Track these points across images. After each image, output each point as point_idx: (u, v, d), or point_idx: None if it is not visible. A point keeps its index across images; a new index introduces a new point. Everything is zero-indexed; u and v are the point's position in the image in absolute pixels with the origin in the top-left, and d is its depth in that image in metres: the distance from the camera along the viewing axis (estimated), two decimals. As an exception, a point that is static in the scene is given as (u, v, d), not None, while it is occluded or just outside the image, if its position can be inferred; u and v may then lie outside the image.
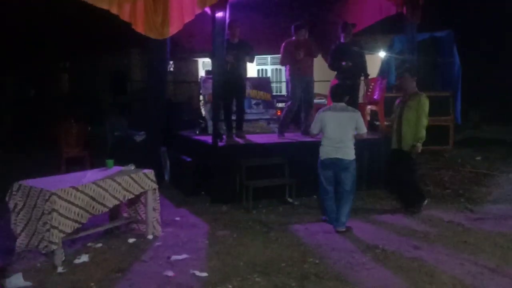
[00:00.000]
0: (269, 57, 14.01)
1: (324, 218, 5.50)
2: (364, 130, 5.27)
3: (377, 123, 7.94)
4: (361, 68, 7.24)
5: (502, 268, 4.14)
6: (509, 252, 4.53)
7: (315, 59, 7.44)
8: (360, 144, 5.56)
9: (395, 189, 6.21)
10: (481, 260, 4.32)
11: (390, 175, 6.30)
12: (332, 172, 5.27)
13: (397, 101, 6.09)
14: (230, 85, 6.62)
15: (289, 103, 7.34)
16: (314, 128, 5.40)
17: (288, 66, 7.21)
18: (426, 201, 5.99)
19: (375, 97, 8.02)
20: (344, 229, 5.18)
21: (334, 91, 5.53)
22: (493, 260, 4.32)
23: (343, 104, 5.33)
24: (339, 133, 5.18)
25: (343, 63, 6.94)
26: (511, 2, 11.69)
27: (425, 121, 5.69)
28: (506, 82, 12.34)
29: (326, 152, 5.26)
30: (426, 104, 5.72)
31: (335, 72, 7.33)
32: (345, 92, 5.51)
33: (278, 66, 14.07)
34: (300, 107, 7.31)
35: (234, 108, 7.01)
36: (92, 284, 3.85)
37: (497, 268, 4.16)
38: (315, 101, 9.02)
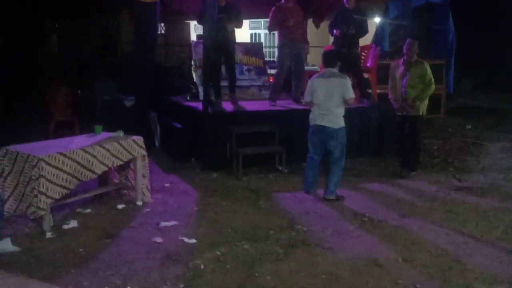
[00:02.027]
0: (262, 21, 13.75)
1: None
2: (350, 95, 5.14)
3: (369, 90, 7.90)
4: (359, 36, 7.14)
5: (486, 238, 4.22)
6: (495, 222, 4.60)
7: (309, 24, 7.32)
8: (350, 111, 5.54)
9: (403, 154, 6.30)
10: (466, 230, 4.40)
11: (399, 141, 6.40)
12: (318, 139, 5.25)
13: (397, 64, 6.07)
14: (217, 50, 6.48)
15: (277, 71, 7.27)
16: (307, 96, 5.34)
17: (278, 32, 7.09)
18: (415, 173, 6.15)
19: (368, 64, 7.95)
20: (333, 197, 5.21)
21: (325, 56, 5.46)
22: (478, 230, 4.40)
23: (333, 69, 5.25)
24: (326, 100, 5.13)
25: (335, 31, 6.83)
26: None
27: (433, 87, 5.94)
28: (500, 50, 12.25)
29: (313, 118, 5.25)
30: (429, 69, 5.91)
31: (329, 39, 7.23)
32: (337, 58, 5.44)
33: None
34: (291, 74, 7.24)
35: (225, 74, 6.90)
36: (81, 249, 3.88)
37: (482, 238, 4.23)
38: (308, 68, 8.95)
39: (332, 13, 7.30)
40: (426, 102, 6.04)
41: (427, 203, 5.16)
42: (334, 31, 6.90)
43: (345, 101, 5.17)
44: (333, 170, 5.24)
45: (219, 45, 6.45)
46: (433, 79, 5.91)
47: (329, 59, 5.37)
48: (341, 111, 5.18)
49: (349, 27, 6.86)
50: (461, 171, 6.42)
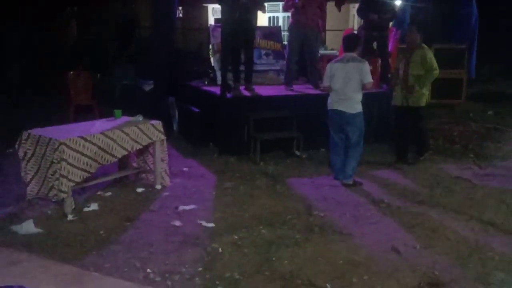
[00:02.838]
0: (280, 3, 13.57)
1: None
2: (368, 80, 5.09)
3: (390, 75, 7.78)
4: (389, 21, 7.03)
5: (506, 226, 4.17)
6: (515, 209, 4.54)
7: (329, 7, 7.19)
8: (369, 96, 5.47)
9: (398, 143, 6.12)
10: (485, 217, 4.35)
11: (394, 130, 6.17)
12: (337, 124, 5.24)
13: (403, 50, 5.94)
14: (239, 35, 6.43)
15: (287, 55, 7.20)
16: (325, 80, 5.32)
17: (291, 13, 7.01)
18: (424, 156, 6.05)
19: (388, 49, 7.81)
20: (350, 182, 5.20)
21: (345, 41, 5.38)
22: (498, 217, 4.34)
23: (352, 54, 5.19)
24: (344, 85, 5.10)
25: (371, 16, 6.72)
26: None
27: (436, 71, 5.66)
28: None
29: (331, 103, 5.25)
30: (431, 54, 5.68)
31: (349, 22, 7.12)
32: (357, 42, 5.37)
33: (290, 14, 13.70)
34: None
35: (243, 59, 6.86)
36: (101, 231, 3.95)
37: (501, 225, 4.18)
38: (327, 52, 8.85)
39: None
40: (427, 91, 5.81)
41: (446, 190, 5.10)
42: (371, 16, 6.77)
43: (363, 86, 5.12)
44: (351, 154, 5.22)
45: (241, 30, 6.38)
46: (435, 65, 5.63)
47: (349, 43, 5.30)
48: (359, 97, 5.14)
49: (380, 12, 6.74)
50: (481, 157, 6.32)
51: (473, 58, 9.74)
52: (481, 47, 9.93)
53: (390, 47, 7.89)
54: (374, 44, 7.09)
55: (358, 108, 5.14)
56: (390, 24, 10.01)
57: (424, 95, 5.77)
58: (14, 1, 11.22)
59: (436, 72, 5.68)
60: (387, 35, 7.23)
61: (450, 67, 8.82)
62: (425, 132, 6.18)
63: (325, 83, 5.32)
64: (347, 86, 5.09)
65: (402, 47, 7.17)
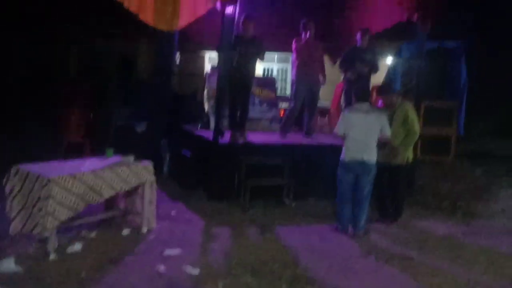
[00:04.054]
0: (276, 54, 13.94)
1: (337, 226, 5.37)
2: (389, 132, 5.18)
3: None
4: (371, 74, 7.22)
5: (494, 285, 4.13)
6: (504, 269, 4.51)
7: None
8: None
9: (379, 201, 5.93)
10: (474, 275, 4.31)
11: (379, 187, 5.88)
12: (354, 175, 5.18)
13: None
14: (237, 83, 6.57)
15: (291, 104, 7.34)
16: (340, 129, 5.25)
17: (295, 66, 7.19)
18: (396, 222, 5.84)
19: (379, 105, 7.98)
20: (363, 232, 5.23)
21: (357, 91, 5.40)
22: (486, 276, 4.31)
23: (368, 104, 5.29)
24: (366, 135, 5.12)
25: (348, 75, 6.92)
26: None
27: (416, 134, 5.58)
28: (512, 95, 12.28)
29: (351, 154, 5.15)
30: (413, 114, 5.62)
31: (341, 75, 7.32)
32: (369, 93, 5.46)
33: (285, 65, 14.03)
34: (304, 109, 7.30)
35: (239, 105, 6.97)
36: (83, 273, 3.85)
37: (490, 284, 4.14)
38: (319, 104, 9.00)
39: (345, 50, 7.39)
40: (410, 149, 5.72)
41: (435, 246, 5.07)
42: (349, 73, 6.97)
43: (382, 137, 5.16)
44: (363, 206, 5.21)
45: (239, 79, 6.54)
46: (416, 128, 5.56)
47: (363, 93, 5.35)
48: (375, 146, 5.18)
49: (361, 66, 6.95)
50: (470, 215, 6.33)
51: (462, 116, 9.97)
52: (471, 106, 10.19)
53: (381, 103, 8.06)
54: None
55: (375, 157, 5.18)
56: (382, 80, 10.30)
57: (404, 154, 5.65)
58: (17, 36, 11.40)
59: (416, 135, 5.62)
60: (369, 87, 7.38)
61: (439, 124, 9.01)
62: (402, 196, 5.93)
63: (340, 131, 5.26)
64: (369, 135, 5.12)
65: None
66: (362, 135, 5.11)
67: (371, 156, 5.13)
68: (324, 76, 7.29)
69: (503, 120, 12.28)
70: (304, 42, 7.06)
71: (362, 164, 5.12)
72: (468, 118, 10.26)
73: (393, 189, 5.83)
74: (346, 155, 5.19)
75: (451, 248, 5.04)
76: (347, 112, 5.33)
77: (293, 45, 7.14)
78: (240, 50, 6.42)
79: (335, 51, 8.82)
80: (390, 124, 5.56)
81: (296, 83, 7.21)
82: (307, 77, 7.07)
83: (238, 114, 6.86)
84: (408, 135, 5.61)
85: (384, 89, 5.99)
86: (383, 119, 5.19)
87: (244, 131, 6.88)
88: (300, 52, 7.06)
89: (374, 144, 5.15)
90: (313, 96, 7.24)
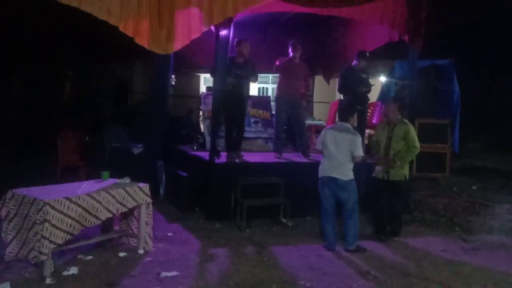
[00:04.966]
0: (270, 75, 14.09)
1: (326, 244, 5.41)
2: (359, 153, 5.25)
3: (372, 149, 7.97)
4: (366, 93, 7.32)
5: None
6: (502, 285, 4.50)
7: (317, 81, 7.51)
8: (356, 166, 5.53)
9: (377, 217, 5.93)
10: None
11: (372, 203, 5.94)
12: (329, 190, 5.29)
13: (383, 124, 5.98)
14: (232, 105, 6.65)
15: (274, 123, 7.40)
16: (318, 145, 5.56)
17: (277, 84, 7.27)
18: (397, 238, 5.85)
19: (373, 121, 8.07)
20: (353, 248, 5.21)
21: (341, 110, 5.63)
22: (485, 293, 4.29)
23: (347, 124, 5.36)
24: (337, 153, 5.24)
25: (358, 89, 6.98)
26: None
27: (417, 148, 5.69)
28: (506, 112, 12.42)
29: (323, 170, 5.36)
30: (413, 131, 5.74)
31: (336, 95, 7.39)
32: (351, 113, 5.54)
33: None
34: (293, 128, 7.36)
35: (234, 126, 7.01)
36: (80, 297, 3.81)
37: (489, 301, 4.13)
38: (314, 122, 9.09)
39: (340, 70, 7.47)
40: (407, 166, 5.79)
41: (433, 263, 5.05)
42: (340, 89, 7.05)
43: (353, 158, 5.25)
44: (348, 223, 5.27)
45: (234, 100, 6.62)
46: (416, 143, 5.65)
47: (344, 113, 5.51)
48: (350, 165, 5.27)
49: (361, 86, 7.03)
50: (467, 231, 6.33)
51: (456, 134, 10.04)
52: (465, 123, 10.27)
53: (376, 120, 8.15)
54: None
55: (350, 175, 5.25)
56: (376, 98, 10.42)
57: (403, 170, 5.71)
58: (10, 60, 11.49)
59: (416, 149, 5.69)
60: (366, 108, 7.47)
61: (434, 141, 9.07)
62: (399, 213, 5.93)
63: (319, 147, 5.55)
64: (340, 154, 5.23)
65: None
66: (333, 153, 5.26)
67: (343, 174, 5.21)
68: (306, 95, 7.39)
69: (497, 136, 12.38)
70: (287, 61, 7.10)
71: (333, 180, 5.24)
72: (463, 135, 10.33)
73: (391, 205, 5.83)
74: (321, 171, 5.38)
75: (449, 265, 5.03)
76: (325, 129, 5.54)
77: (276, 64, 7.17)
78: (234, 73, 6.51)
79: (328, 71, 8.94)
80: (390, 139, 5.67)
81: (276, 100, 7.28)
82: (287, 95, 7.07)
83: (234, 135, 6.91)
84: (408, 151, 5.68)
85: (392, 104, 5.93)
86: (355, 141, 5.24)
87: (240, 151, 6.92)
88: (282, 70, 7.12)
89: (346, 163, 5.23)
90: (297, 114, 7.23)
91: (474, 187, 9.06)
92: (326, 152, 5.34)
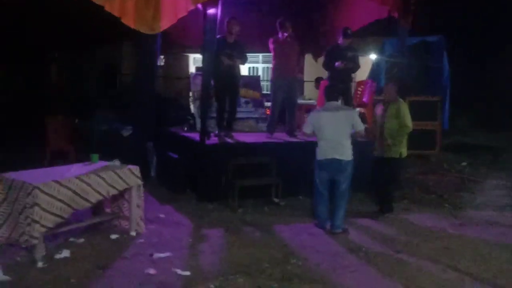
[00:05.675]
0: (260, 55, 13.98)
1: (316, 222, 5.44)
2: (361, 127, 5.23)
3: (366, 125, 7.97)
4: (352, 72, 7.29)
5: (482, 276, 4.18)
6: (491, 260, 4.57)
7: (307, 59, 7.46)
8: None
9: (378, 195, 6.17)
10: (462, 267, 4.36)
11: (373, 181, 6.20)
12: (329, 173, 5.21)
13: (377, 109, 6.07)
14: (225, 85, 6.61)
15: (271, 102, 7.37)
16: (307, 128, 5.34)
17: (273, 64, 7.23)
18: (387, 215, 5.93)
19: (364, 99, 8.05)
20: (340, 231, 5.19)
21: (327, 91, 5.51)
22: (474, 267, 4.36)
23: (336, 102, 5.33)
24: (336, 133, 5.13)
25: (337, 64, 6.93)
26: (504, 9, 11.81)
27: (407, 127, 5.74)
28: (495, 89, 12.49)
29: (323, 152, 5.19)
30: (405, 109, 5.78)
31: (324, 73, 7.36)
32: (338, 91, 5.53)
33: (269, 65, 14.05)
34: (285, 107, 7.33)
35: (227, 106, 6.97)
36: (73, 280, 3.82)
37: (478, 275, 4.19)
38: (304, 101, 9.06)
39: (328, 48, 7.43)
40: (403, 144, 5.85)
41: (423, 239, 5.11)
42: (336, 63, 6.99)
43: (356, 133, 5.22)
44: (340, 203, 5.23)
45: (227, 80, 6.58)
46: (407, 122, 5.72)
47: (331, 93, 5.43)
48: (349, 143, 5.20)
49: (344, 63, 6.99)
50: (456, 207, 6.41)
51: (446, 110, 10.08)
52: (454, 99, 10.31)
53: (366, 98, 8.13)
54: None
55: (351, 154, 5.19)
56: (366, 76, 10.40)
57: (397, 148, 5.79)
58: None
59: (408, 128, 5.75)
60: (349, 86, 7.45)
61: (424, 119, 9.10)
62: (392, 189, 6.09)
63: (307, 130, 5.34)
64: (340, 134, 5.14)
65: (379, 98, 7.40)
66: (333, 134, 5.14)
67: (345, 154, 5.14)
68: (301, 72, 7.37)
69: (485, 112, 12.46)
70: (281, 41, 7.07)
71: (336, 162, 5.14)
72: (452, 112, 10.38)
73: (385, 182, 5.94)
74: (320, 154, 5.22)
75: (439, 240, 5.09)
76: (315, 112, 5.36)
77: (270, 45, 7.15)
78: (226, 53, 6.45)
79: (317, 49, 8.88)
80: (384, 118, 5.71)
81: (273, 81, 7.26)
82: (284, 75, 7.08)
83: (226, 115, 6.88)
84: (400, 130, 5.73)
85: (389, 83, 6.07)
86: (353, 115, 5.25)
87: (231, 131, 6.90)
88: (277, 51, 7.09)
89: (347, 142, 5.17)
90: (291, 93, 7.24)
91: (463, 164, 9.14)
92: (322, 134, 5.17)
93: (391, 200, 6.09)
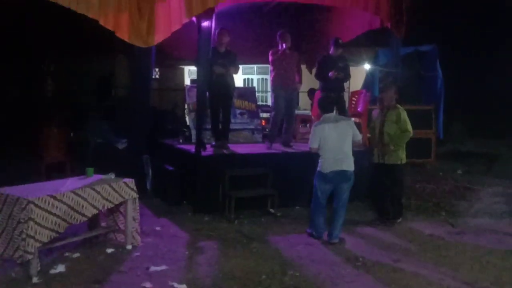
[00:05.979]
0: (255, 66, 14.06)
1: (310, 231, 5.40)
2: (359, 136, 5.29)
3: (361, 135, 7.99)
4: (343, 82, 7.33)
5: (480, 284, 4.17)
6: (488, 267, 4.56)
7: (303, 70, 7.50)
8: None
9: (378, 201, 6.17)
10: (460, 275, 4.35)
11: (373, 188, 6.25)
12: (332, 185, 5.19)
13: (374, 113, 6.14)
14: (218, 95, 6.63)
15: (273, 114, 7.38)
16: (314, 143, 5.23)
17: (272, 76, 7.25)
18: (400, 219, 5.98)
19: (359, 109, 8.07)
20: (337, 241, 5.18)
21: (322, 103, 5.52)
22: (471, 275, 4.35)
23: (334, 114, 5.35)
24: (341, 144, 5.14)
25: (330, 74, 6.95)
26: (495, 18, 11.94)
27: (409, 132, 5.79)
28: (489, 97, 12.58)
29: (329, 165, 5.12)
30: (405, 115, 5.83)
31: (317, 83, 7.39)
32: (332, 102, 5.55)
33: (264, 76, 14.12)
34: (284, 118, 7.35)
35: (221, 117, 6.98)
36: (68, 295, 3.78)
37: (475, 283, 4.18)
38: (300, 112, 9.08)
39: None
40: (403, 149, 5.88)
41: (420, 247, 5.11)
42: (330, 73, 7.01)
43: (354, 143, 5.24)
44: (340, 213, 5.22)
45: (221, 91, 6.60)
46: (408, 127, 5.76)
47: (326, 104, 5.43)
48: (351, 153, 5.23)
49: (337, 73, 7.02)
50: (453, 215, 6.41)
51: (440, 119, 10.13)
52: (449, 108, 10.37)
53: (361, 108, 8.15)
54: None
55: (353, 165, 5.21)
56: (361, 86, 10.44)
57: (399, 153, 5.83)
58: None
59: (409, 133, 5.80)
60: (342, 96, 7.47)
61: (419, 127, 9.11)
62: (398, 196, 6.04)
63: (315, 145, 5.24)
64: (344, 144, 5.15)
65: (373, 108, 7.43)
66: (338, 145, 5.13)
67: (350, 164, 5.17)
68: (300, 82, 7.41)
69: (480, 120, 12.53)
70: (280, 53, 7.11)
71: (342, 174, 5.13)
72: (446, 120, 10.43)
73: (391, 189, 5.92)
74: (325, 167, 5.16)
75: (437, 248, 5.09)
76: (318, 125, 5.31)
77: (270, 57, 7.18)
78: (218, 63, 6.47)
79: (311, 60, 8.93)
80: (383, 124, 5.77)
81: (274, 92, 7.28)
82: (284, 86, 7.10)
83: (220, 126, 6.89)
84: (401, 135, 5.78)
85: (389, 87, 6.09)
86: (352, 125, 5.28)
87: (227, 142, 6.90)
88: (277, 62, 7.12)
89: (350, 152, 5.19)
90: (291, 104, 7.27)
91: (459, 172, 9.17)
92: (326, 146, 5.13)
93: (401, 205, 6.10)
